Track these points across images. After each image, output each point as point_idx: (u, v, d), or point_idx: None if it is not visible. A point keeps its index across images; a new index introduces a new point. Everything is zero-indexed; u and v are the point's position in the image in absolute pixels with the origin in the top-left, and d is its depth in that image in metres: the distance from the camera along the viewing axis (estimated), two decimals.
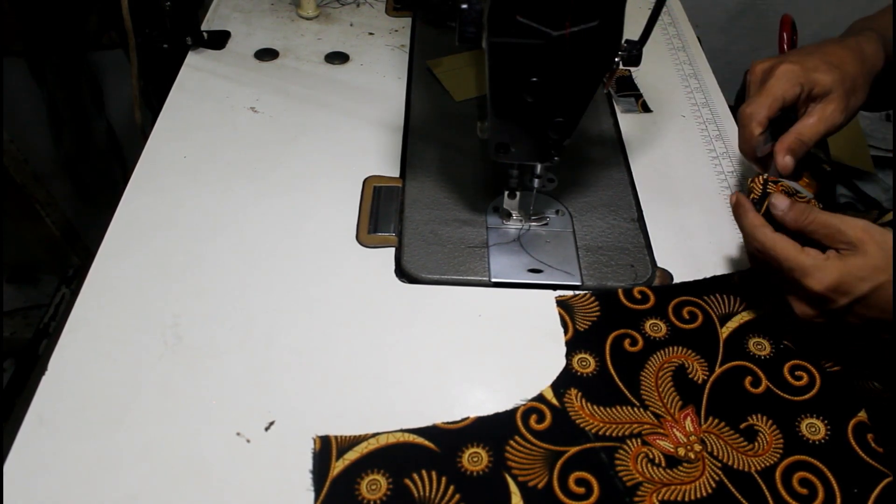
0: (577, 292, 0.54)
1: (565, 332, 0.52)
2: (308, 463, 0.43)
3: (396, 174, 0.64)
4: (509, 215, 0.59)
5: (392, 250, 0.57)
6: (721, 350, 0.51)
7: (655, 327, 0.52)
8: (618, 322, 0.52)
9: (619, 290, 0.54)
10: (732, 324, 0.53)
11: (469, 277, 0.55)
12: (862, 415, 0.48)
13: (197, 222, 0.58)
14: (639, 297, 0.54)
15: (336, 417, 0.46)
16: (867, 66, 0.56)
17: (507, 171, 0.56)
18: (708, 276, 0.56)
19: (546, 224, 0.60)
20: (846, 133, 1.34)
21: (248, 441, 0.44)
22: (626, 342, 0.51)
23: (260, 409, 0.46)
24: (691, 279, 0.56)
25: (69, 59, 1.16)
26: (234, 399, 0.46)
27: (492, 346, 0.51)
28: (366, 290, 0.54)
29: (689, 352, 0.51)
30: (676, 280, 0.56)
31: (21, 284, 1.40)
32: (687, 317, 0.53)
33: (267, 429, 0.45)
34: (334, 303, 0.53)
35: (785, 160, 0.54)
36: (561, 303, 0.53)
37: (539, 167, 0.55)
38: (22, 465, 0.42)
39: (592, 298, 0.54)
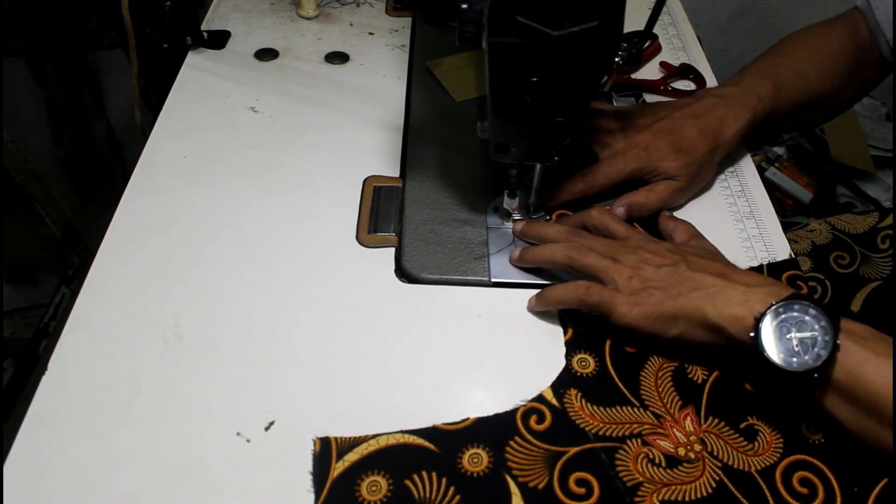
0: None
1: (565, 333, 0.52)
2: (308, 463, 0.43)
3: (396, 174, 0.64)
4: (509, 215, 0.59)
5: (392, 250, 0.57)
6: None
7: None
8: None
9: None
10: None
11: (469, 277, 0.55)
12: None
13: (197, 222, 0.58)
14: None
15: (336, 417, 0.46)
16: (718, 150, 0.60)
17: (507, 171, 0.56)
18: None
19: None
20: (846, 133, 1.34)
21: (248, 441, 0.44)
22: (626, 342, 0.51)
23: (260, 409, 0.46)
24: None
25: (69, 59, 1.16)
26: (234, 399, 0.46)
27: (491, 347, 0.51)
28: (366, 290, 0.54)
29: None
30: None
31: (21, 284, 1.39)
32: None
33: (267, 429, 0.45)
34: (334, 303, 0.53)
35: (618, 210, 0.59)
36: None
37: (539, 167, 0.55)
38: (22, 465, 0.42)
39: None
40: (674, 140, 0.58)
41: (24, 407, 0.45)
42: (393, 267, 0.55)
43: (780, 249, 0.59)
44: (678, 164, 0.58)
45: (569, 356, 0.50)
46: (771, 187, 1.32)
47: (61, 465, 0.43)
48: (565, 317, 0.52)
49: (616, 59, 0.47)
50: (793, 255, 0.58)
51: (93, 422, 0.45)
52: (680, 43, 0.84)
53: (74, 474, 0.42)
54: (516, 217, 0.59)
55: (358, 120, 0.69)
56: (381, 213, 0.60)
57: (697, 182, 0.60)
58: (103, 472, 0.42)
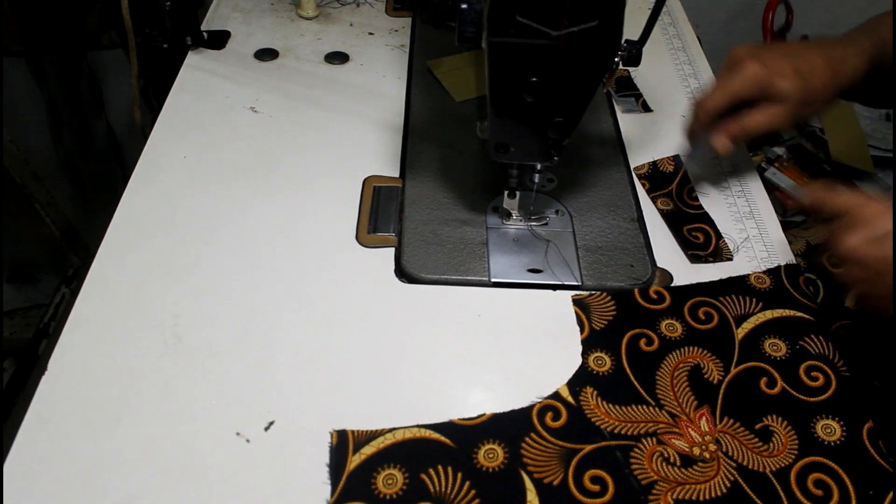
0: (592, 291, 0.54)
1: (581, 331, 0.52)
2: (309, 462, 0.43)
3: (396, 174, 0.64)
4: (509, 215, 0.59)
5: (392, 250, 0.57)
6: (736, 351, 0.51)
7: (671, 327, 0.52)
8: (634, 321, 0.52)
9: (636, 290, 0.54)
10: (748, 325, 0.52)
11: (469, 277, 0.55)
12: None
13: (197, 222, 0.58)
14: (654, 297, 0.54)
15: (336, 417, 0.46)
16: (837, 82, 0.55)
17: (507, 171, 0.56)
18: (707, 276, 0.56)
19: (546, 224, 0.60)
20: (846, 133, 1.34)
21: (248, 441, 0.44)
22: (642, 342, 0.51)
23: (259, 409, 0.46)
24: (691, 279, 0.56)
25: (69, 59, 1.16)
26: (233, 399, 0.46)
27: (491, 347, 0.51)
28: (365, 290, 0.54)
29: (705, 352, 0.51)
30: (676, 280, 0.56)
31: (21, 284, 1.40)
32: (702, 317, 0.53)
33: (267, 429, 0.45)
34: (334, 303, 0.53)
35: (724, 141, 0.56)
36: (577, 302, 0.53)
37: (539, 167, 0.55)
38: (22, 465, 0.42)
39: (608, 298, 0.54)
40: (794, 62, 0.54)
41: (24, 407, 0.45)
42: (393, 267, 0.55)
43: (781, 249, 0.59)
44: (795, 84, 0.53)
45: (585, 354, 0.50)
46: (771, 187, 1.32)
47: (61, 465, 0.43)
48: (581, 315, 0.52)
49: (616, 59, 0.47)
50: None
51: (93, 422, 0.45)
52: (680, 43, 0.84)
53: (74, 474, 0.42)
54: (516, 217, 0.59)
55: (358, 120, 0.69)
56: (380, 213, 0.60)
57: (806, 110, 0.55)
58: (103, 472, 0.42)
